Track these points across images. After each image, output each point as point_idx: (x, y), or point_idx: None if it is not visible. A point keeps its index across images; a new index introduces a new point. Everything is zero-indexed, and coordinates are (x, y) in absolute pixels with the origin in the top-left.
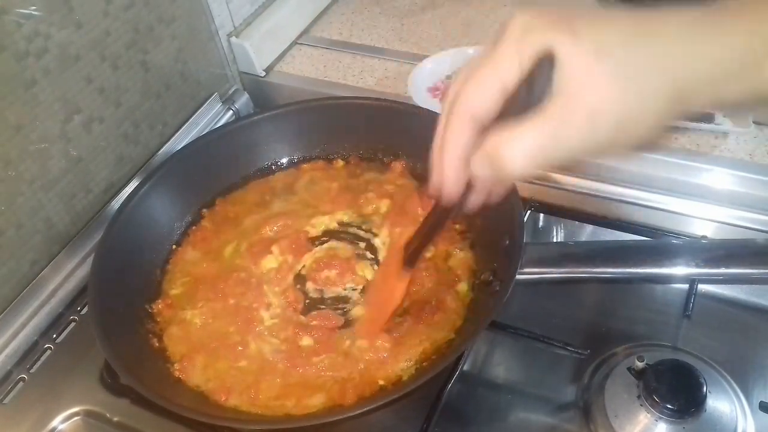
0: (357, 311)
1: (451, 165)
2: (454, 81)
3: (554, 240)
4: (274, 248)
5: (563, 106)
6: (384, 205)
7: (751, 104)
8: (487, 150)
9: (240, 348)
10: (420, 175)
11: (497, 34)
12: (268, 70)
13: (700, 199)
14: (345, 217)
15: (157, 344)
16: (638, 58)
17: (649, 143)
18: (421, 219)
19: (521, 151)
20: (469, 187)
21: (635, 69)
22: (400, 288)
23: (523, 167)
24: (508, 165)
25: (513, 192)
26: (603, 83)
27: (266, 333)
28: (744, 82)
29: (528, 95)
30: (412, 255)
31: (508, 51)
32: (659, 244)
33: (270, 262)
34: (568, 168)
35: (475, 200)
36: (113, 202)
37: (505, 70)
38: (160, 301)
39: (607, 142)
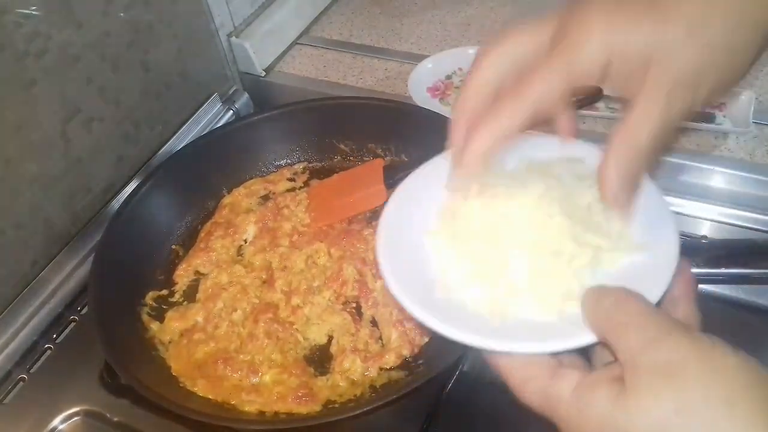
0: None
1: (483, 144)
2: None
3: None
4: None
5: (666, 94)
6: None
7: None
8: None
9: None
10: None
11: (564, 20)
12: (268, 70)
13: (700, 199)
14: None
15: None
16: (726, 25)
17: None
18: None
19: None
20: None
21: (728, 35)
22: (372, 201)
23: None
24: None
25: None
26: (700, 59)
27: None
28: None
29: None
30: (396, 179)
31: (590, 49)
32: None
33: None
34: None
35: None
36: (113, 202)
37: (584, 72)
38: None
39: (709, 99)
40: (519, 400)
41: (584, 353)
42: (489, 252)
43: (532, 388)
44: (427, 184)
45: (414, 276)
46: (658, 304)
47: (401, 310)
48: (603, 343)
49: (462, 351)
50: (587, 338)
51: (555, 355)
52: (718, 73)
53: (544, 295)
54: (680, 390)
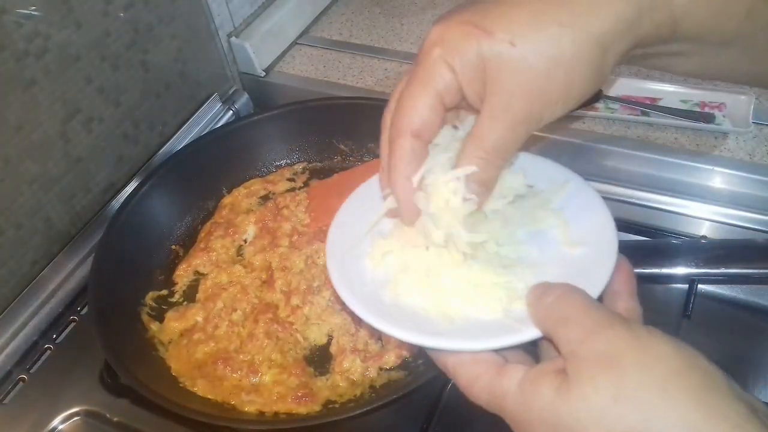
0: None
1: (403, 188)
2: (390, 98)
3: None
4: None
5: (505, 102)
6: None
7: (668, 38)
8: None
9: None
10: None
11: (419, 50)
12: (268, 70)
13: (700, 199)
14: None
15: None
16: (553, 35)
17: (591, 93)
18: None
19: (490, 163)
20: None
21: (555, 44)
22: None
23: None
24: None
25: None
26: (529, 69)
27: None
28: (656, 15)
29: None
30: None
31: (438, 63)
32: (659, 244)
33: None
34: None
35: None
36: (113, 202)
37: (441, 82)
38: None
39: (554, 109)
40: (468, 399)
41: (532, 352)
42: (432, 258)
43: (479, 386)
44: (376, 194)
45: (363, 283)
46: (600, 299)
47: (353, 315)
48: (546, 338)
49: None
50: (531, 333)
51: (501, 352)
52: (558, 84)
53: (490, 295)
54: (618, 378)
